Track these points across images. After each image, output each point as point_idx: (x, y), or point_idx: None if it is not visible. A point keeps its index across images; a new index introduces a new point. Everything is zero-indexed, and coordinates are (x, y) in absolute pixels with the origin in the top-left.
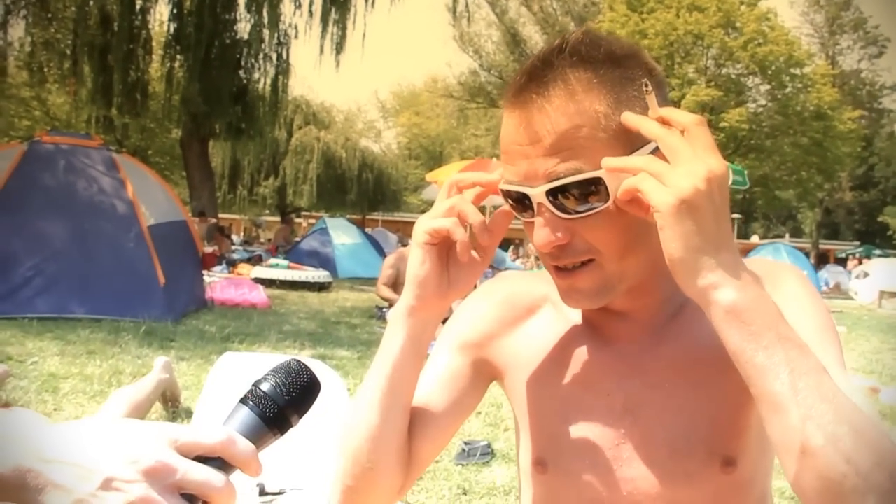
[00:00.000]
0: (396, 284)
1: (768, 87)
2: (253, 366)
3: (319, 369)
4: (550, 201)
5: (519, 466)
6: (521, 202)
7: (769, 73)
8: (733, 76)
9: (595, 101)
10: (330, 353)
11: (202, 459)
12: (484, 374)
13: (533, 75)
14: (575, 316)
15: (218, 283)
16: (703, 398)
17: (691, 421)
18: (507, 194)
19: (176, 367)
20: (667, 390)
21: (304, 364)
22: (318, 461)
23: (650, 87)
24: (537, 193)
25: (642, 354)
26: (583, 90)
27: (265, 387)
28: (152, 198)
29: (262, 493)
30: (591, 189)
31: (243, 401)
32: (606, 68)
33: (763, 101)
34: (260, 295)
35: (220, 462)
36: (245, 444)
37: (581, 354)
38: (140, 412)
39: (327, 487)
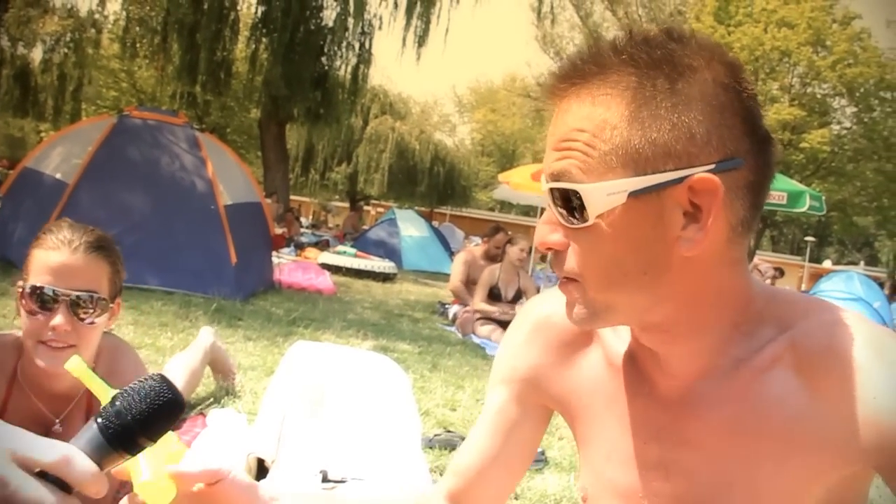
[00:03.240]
0: (466, 283)
1: (855, 109)
2: (322, 356)
3: (385, 363)
4: (552, 201)
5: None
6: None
7: (857, 94)
8: (819, 96)
9: (608, 107)
10: (392, 346)
11: (45, 474)
12: (537, 405)
13: (580, 62)
14: (621, 351)
15: (286, 265)
16: (746, 473)
17: (727, 493)
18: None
19: (243, 346)
20: (706, 453)
21: (167, 383)
22: (381, 453)
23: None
24: (546, 188)
25: (684, 408)
26: (603, 92)
27: (116, 403)
28: (230, 178)
29: (325, 479)
30: (574, 201)
31: (97, 416)
32: (646, 76)
33: (848, 124)
34: (326, 281)
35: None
36: (82, 466)
37: (626, 396)
38: (195, 379)
39: (387, 478)
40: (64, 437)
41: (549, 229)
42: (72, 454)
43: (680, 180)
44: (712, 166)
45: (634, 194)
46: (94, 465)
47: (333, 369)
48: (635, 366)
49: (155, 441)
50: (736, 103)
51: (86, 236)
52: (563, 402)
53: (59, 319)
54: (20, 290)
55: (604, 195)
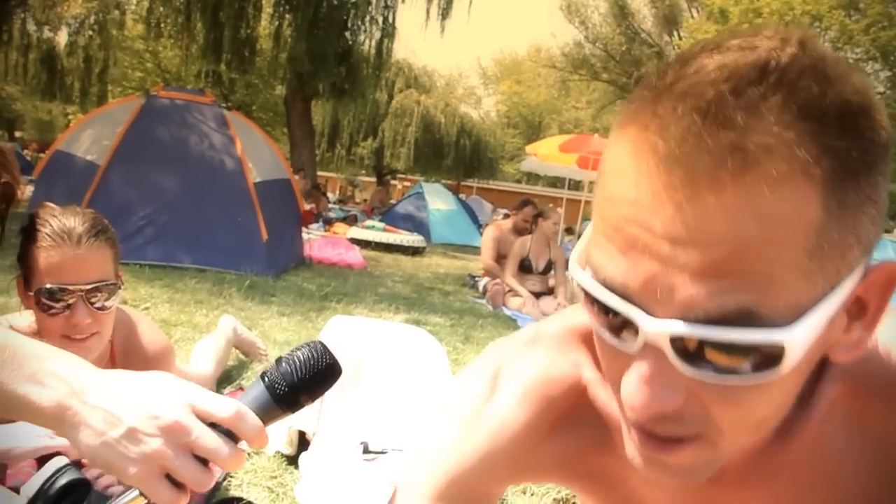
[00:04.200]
0: (497, 258)
1: (889, 73)
2: (359, 330)
3: (421, 336)
4: (676, 347)
5: None
6: (616, 319)
7: (892, 58)
8: (851, 60)
9: (808, 199)
10: (424, 319)
11: (215, 426)
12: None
13: (713, 111)
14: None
15: (316, 241)
16: None
17: None
18: (593, 299)
19: (277, 322)
20: None
21: (325, 348)
22: (419, 424)
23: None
24: (660, 333)
25: (736, 481)
26: (791, 175)
27: (282, 366)
28: (259, 155)
29: (366, 450)
30: (763, 353)
31: (262, 376)
32: (833, 137)
33: (882, 89)
34: (356, 256)
35: (230, 430)
36: (252, 422)
37: (632, 477)
38: (220, 363)
39: None
40: None
41: (659, 388)
42: (243, 409)
43: (862, 277)
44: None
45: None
46: (260, 421)
47: (371, 342)
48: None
49: (314, 400)
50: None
51: (82, 224)
52: (569, 482)
53: (79, 315)
54: (28, 292)
55: (811, 337)
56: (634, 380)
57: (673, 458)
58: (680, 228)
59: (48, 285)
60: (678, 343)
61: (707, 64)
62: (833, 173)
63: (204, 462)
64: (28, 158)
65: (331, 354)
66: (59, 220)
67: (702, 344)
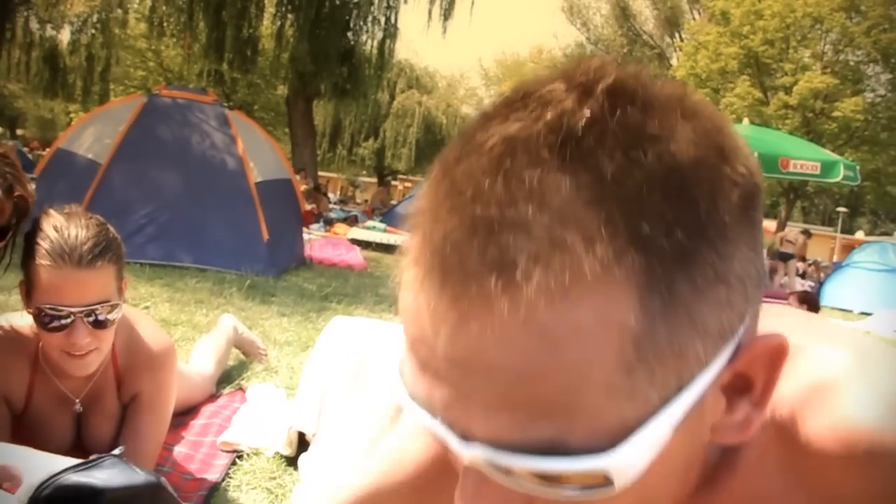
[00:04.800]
0: None
1: (890, 76)
2: (361, 330)
3: None
4: (497, 469)
5: None
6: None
7: (893, 61)
8: (852, 63)
9: (611, 307)
10: None
11: None
12: None
13: (480, 209)
14: None
15: (316, 241)
16: None
17: None
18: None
19: (277, 322)
20: None
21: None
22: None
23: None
24: (471, 458)
25: None
26: (581, 281)
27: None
28: (260, 155)
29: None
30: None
31: None
32: (648, 218)
33: (882, 91)
34: (357, 256)
35: None
36: None
37: None
38: (221, 363)
39: None
40: (84, 415)
41: (490, 502)
42: None
43: (730, 361)
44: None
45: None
46: None
47: (372, 343)
48: None
49: None
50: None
51: (84, 243)
52: None
53: (77, 336)
54: (33, 310)
55: (644, 452)
56: (459, 499)
57: None
58: (460, 354)
59: (47, 306)
60: (495, 463)
61: (487, 140)
62: (648, 266)
63: None
64: (30, 157)
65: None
66: (61, 235)
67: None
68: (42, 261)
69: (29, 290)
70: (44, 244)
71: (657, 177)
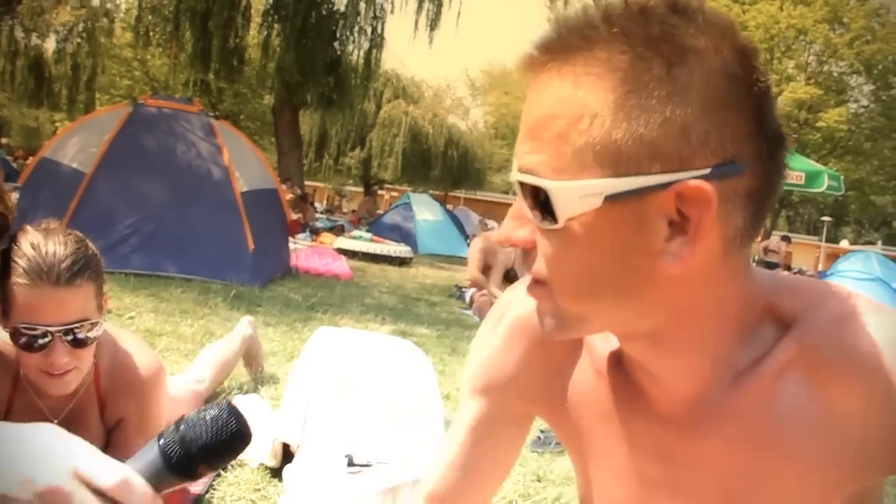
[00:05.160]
0: (484, 269)
1: (873, 86)
2: (345, 341)
3: (408, 348)
4: (522, 195)
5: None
6: None
7: (875, 72)
8: (835, 74)
9: (591, 90)
10: (410, 330)
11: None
12: (518, 413)
13: (564, 31)
14: (612, 361)
15: (302, 251)
16: (758, 493)
17: None
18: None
19: (262, 332)
20: (714, 473)
21: (234, 413)
22: (405, 436)
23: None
24: (514, 180)
25: (687, 427)
26: (587, 71)
27: (181, 429)
28: (246, 165)
29: (350, 464)
30: (542, 200)
31: (159, 437)
32: (639, 56)
33: (865, 102)
34: (343, 266)
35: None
36: (139, 493)
37: (619, 412)
38: (227, 370)
39: (411, 462)
40: None
41: (515, 224)
42: (130, 478)
43: (666, 186)
44: (706, 171)
45: (611, 198)
46: (150, 490)
47: (357, 354)
48: (626, 377)
49: (215, 469)
50: (744, 98)
51: (63, 261)
52: (548, 411)
53: (56, 356)
54: (10, 329)
55: (575, 197)
56: (509, 216)
57: (535, 296)
58: (525, 107)
59: (23, 326)
60: (522, 188)
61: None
62: (623, 81)
63: None
64: (14, 166)
65: (240, 419)
66: (38, 253)
67: (524, 191)
68: (18, 279)
69: (5, 309)
70: (20, 262)
71: (656, 8)
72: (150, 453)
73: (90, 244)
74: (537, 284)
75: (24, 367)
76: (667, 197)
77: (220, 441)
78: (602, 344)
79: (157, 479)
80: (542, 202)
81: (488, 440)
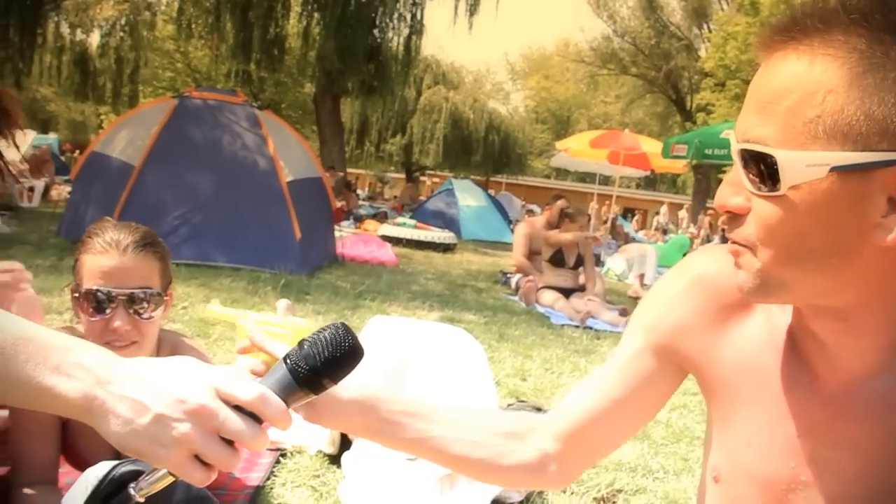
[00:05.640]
0: (529, 255)
1: None
2: (400, 329)
3: (460, 335)
4: (743, 164)
5: (704, 460)
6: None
7: None
8: None
9: (826, 68)
10: (458, 317)
11: (240, 408)
12: (674, 364)
13: (803, 15)
14: (784, 330)
15: (347, 238)
16: None
17: (885, 502)
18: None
19: (312, 321)
20: (867, 458)
21: (348, 330)
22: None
23: None
24: (736, 149)
25: (849, 407)
26: (824, 52)
27: (304, 348)
28: (291, 154)
29: None
30: (767, 168)
31: (285, 358)
32: (877, 40)
33: None
34: (388, 253)
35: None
36: (275, 404)
37: (782, 382)
38: None
39: None
40: None
41: (731, 191)
42: (266, 393)
43: (892, 163)
44: None
45: (837, 170)
46: (283, 403)
47: (411, 342)
48: (796, 350)
49: (337, 382)
50: None
51: (132, 235)
52: (704, 370)
53: (118, 320)
54: (75, 295)
55: (803, 166)
56: (722, 183)
57: (739, 263)
58: (756, 80)
59: (90, 287)
60: (743, 156)
61: None
62: (858, 61)
63: (230, 443)
64: (63, 159)
65: (353, 336)
66: (112, 231)
67: (746, 159)
68: (90, 250)
69: (77, 284)
70: (95, 238)
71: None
72: (279, 372)
73: (156, 236)
74: (741, 248)
75: (89, 338)
76: (891, 174)
77: (339, 356)
78: (779, 315)
79: (287, 395)
80: (766, 170)
81: (636, 378)
